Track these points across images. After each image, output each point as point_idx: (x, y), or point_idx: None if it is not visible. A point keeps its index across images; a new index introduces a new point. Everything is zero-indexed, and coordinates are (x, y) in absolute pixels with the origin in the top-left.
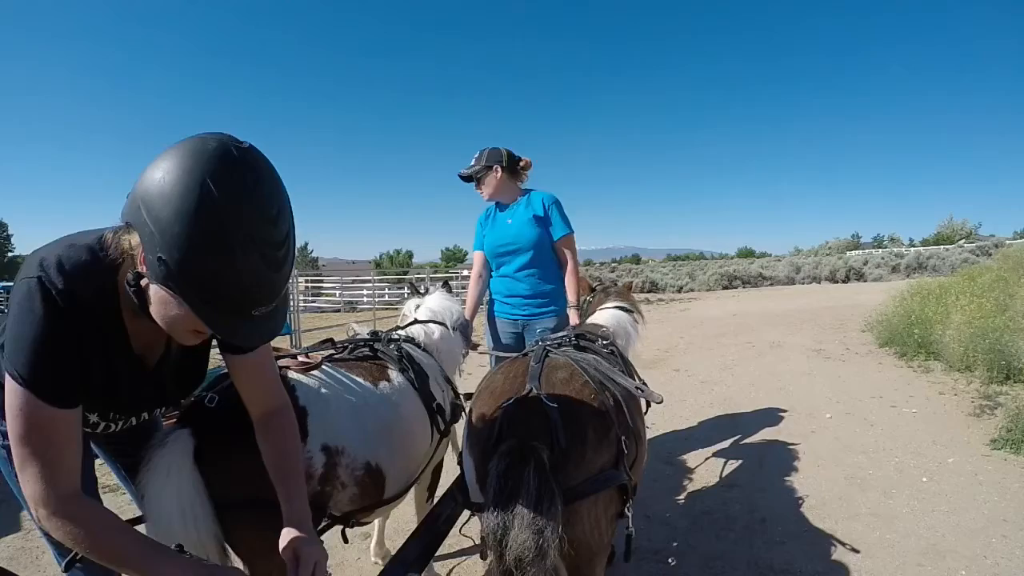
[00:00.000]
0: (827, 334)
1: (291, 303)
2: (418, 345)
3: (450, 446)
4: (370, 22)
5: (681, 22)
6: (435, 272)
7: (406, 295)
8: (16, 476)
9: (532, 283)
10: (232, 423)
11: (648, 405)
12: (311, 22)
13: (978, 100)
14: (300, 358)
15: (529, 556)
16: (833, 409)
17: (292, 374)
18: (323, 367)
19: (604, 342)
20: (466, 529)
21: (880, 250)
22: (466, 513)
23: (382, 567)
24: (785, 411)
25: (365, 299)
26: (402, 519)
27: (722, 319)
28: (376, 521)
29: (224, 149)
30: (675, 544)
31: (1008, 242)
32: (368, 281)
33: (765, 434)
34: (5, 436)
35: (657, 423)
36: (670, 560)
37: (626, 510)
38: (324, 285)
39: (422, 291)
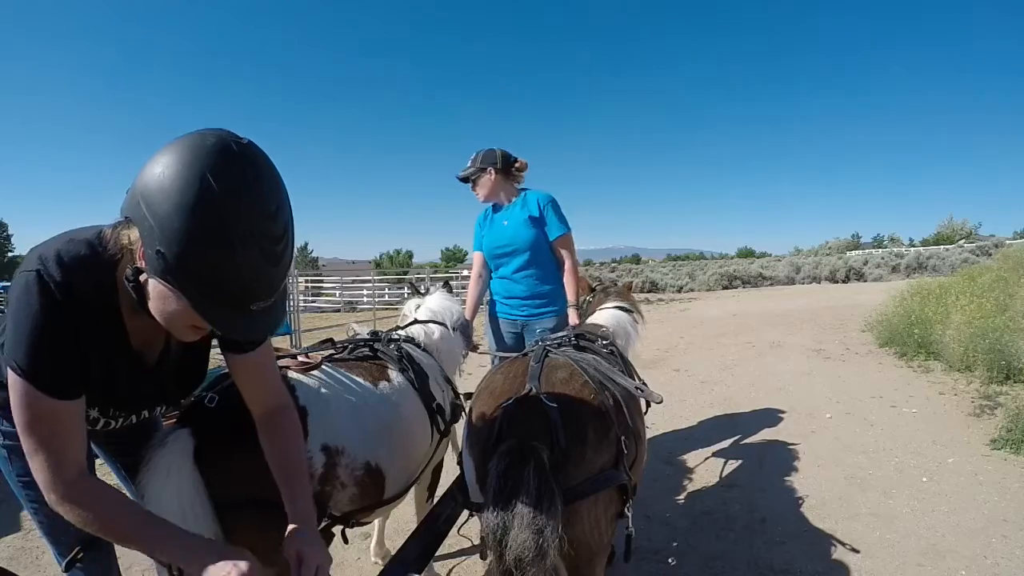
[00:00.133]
0: (827, 334)
1: (291, 303)
2: (418, 345)
3: (450, 446)
4: (370, 22)
5: (681, 22)
6: (435, 272)
7: (406, 295)
8: (16, 476)
9: (530, 284)
10: (232, 423)
11: (648, 405)
12: (311, 22)
13: (978, 100)
14: (300, 358)
15: (529, 556)
16: (833, 409)
17: (292, 374)
18: (323, 367)
19: (604, 342)
20: (465, 529)
21: (880, 250)
22: (465, 513)
23: (382, 567)
24: (785, 411)
25: (365, 299)
26: (402, 519)
27: (722, 319)
28: (376, 521)
29: (224, 144)
30: (675, 544)
31: (1008, 242)
32: (368, 281)
33: (765, 434)
34: (5, 436)
35: (657, 423)
36: (670, 560)
37: (626, 510)
38: (324, 285)
39: (422, 291)
